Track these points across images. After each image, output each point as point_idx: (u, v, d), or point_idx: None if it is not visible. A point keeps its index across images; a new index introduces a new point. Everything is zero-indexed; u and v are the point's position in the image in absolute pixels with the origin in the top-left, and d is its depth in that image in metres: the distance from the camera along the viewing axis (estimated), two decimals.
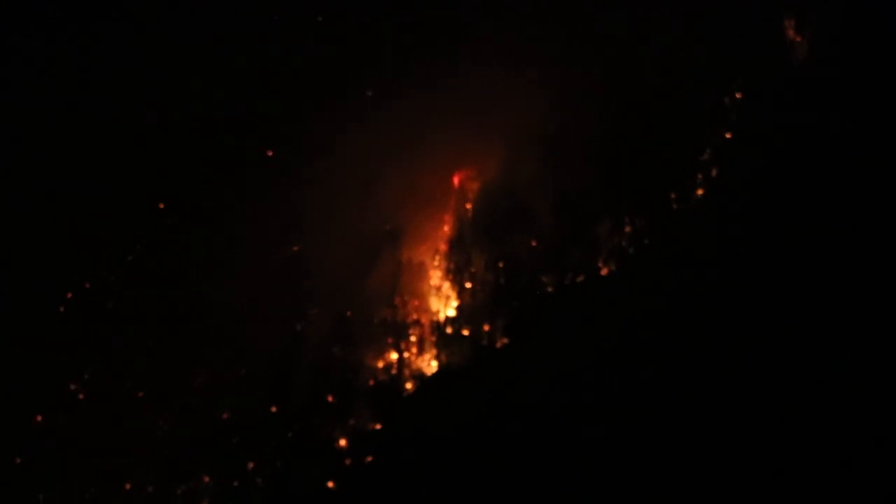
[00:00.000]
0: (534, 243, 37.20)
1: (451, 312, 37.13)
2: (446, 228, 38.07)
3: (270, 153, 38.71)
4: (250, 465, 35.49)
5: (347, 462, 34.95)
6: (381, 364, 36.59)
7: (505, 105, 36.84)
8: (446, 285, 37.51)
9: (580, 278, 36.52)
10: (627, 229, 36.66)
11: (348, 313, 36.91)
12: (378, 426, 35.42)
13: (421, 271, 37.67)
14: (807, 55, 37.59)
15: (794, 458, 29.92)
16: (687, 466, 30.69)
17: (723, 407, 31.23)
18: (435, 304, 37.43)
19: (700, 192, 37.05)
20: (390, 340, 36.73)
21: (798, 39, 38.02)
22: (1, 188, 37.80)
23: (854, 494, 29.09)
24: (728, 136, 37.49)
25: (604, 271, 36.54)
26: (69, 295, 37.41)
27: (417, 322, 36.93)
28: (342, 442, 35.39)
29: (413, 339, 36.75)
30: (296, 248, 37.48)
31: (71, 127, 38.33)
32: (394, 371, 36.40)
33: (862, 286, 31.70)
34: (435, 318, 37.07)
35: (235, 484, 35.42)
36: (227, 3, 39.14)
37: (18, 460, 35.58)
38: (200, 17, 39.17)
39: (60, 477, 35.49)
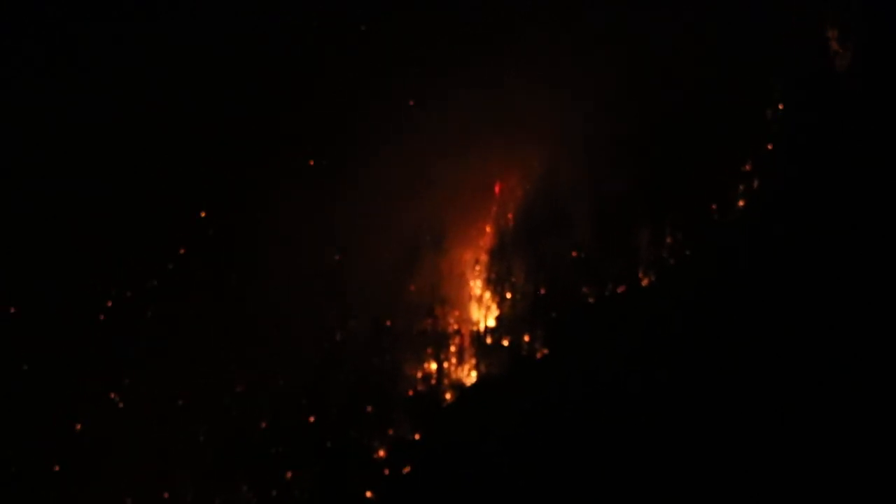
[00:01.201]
0: (574, 254, 37.10)
1: (491, 322, 37.09)
2: (487, 238, 38.11)
3: (312, 163, 38.84)
4: (288, 473, 35.48)
5: (385, 472, 34.87)
6: (420, 374, 36.57)
7: (546, 116, 36.88)
8: (487, 295, 37.50)
9: (621, 289, 36.36)
10: (668, 240, 36.53)
11: (388, 323, 36.96)
12: (417, 436, 35.35)
13: (461, 281, 37.67)
14: (849, 66, 37.39)
15: (826, 469, 29.62)
16: (729, 475, 30.38)
17: (768, 414, 30.89)
18: (475, 313, 37.42)
19: (741, 203, 36.89)
20: (430, 350, 36.72)
21: (840, 51, 37.84)
22: (41, 199, 37.96)
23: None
24: (769, 147, 37.33)
25: (644, 282, 36.39)
26: (109, 303, 37.53)
27: (457, 332, 36.92)
28: (380, 452, 35.34)
29: (453, 348, 36.72)
30: (337, 258, 37.53)
31: (110, 135, 38.50)
32: (433, 381, 36.36)
33: None
34: (475, 328, 37.06)
35: (273, 493, 35.40)
36: (268, 12, 39.28)
37: (58, 467, 35.63)
38: (237, 26, 39.36)
39: (99, 484, 35.53)
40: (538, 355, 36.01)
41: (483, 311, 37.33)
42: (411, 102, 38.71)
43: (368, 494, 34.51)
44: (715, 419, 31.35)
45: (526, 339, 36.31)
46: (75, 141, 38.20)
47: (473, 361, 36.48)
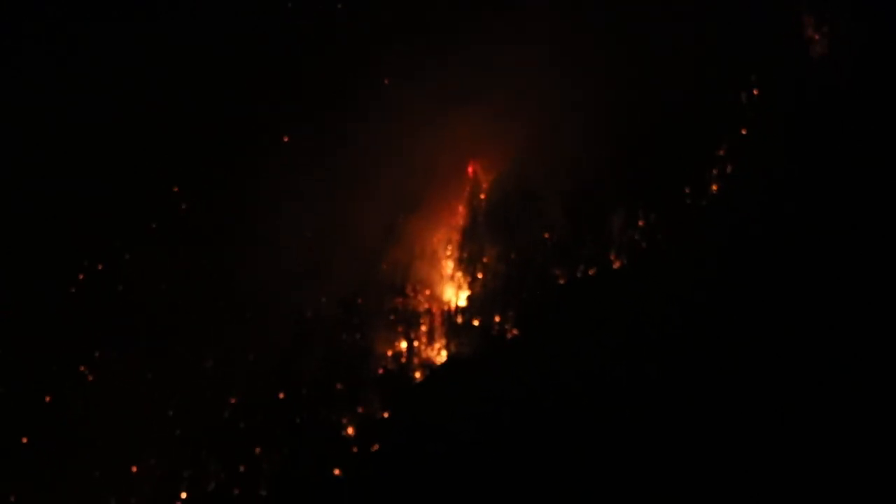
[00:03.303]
0: (546, 235, 37.11)
1: (462, 302, 37.09)
2: (460, 218, 38.06)
3: (286, 139, 38.76)
4: (257, 450, 35.44)
5: (354, 450, 34.87)
6: (390, 352, 36.55)
7: (521, 98, 36.85)
8: (458, 275, 37.49)
9: (592, 271, 36.41)
10: (641, 223, 36.55)
11: (359, 301, 36.91)
12: (386, 414, 35.36)
13: (433, 260, 37.65)
14: (824, 52, 37.49)
15: (802, 458, 29.70)
16: (694, 461, 30.49)
17: (731, 403, 31.01)
18: (446, 293, 37.40)
19: (714, 187, 36.95)
20: (400, 329, 36.70)
21: (815, 37, 37.93)
22: (16, 171, 37.86)
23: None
24: (744, 131, 37.37)
25: (616, 265, 36.43)
26: (81, 276, 37.45)
27: (428, 311, 36.89)
28: (349, 430, 35.35)
29: (423, 328, 36.70)
30: (309, 235, 37.46)
31: (82, 110, 38.37)
32: (403, 360, 36.36)
33: (878, 284, 31.43)
34: (446, 308, 37.03)
35: (242, 469, 35.37)
36: None
37: (26, 440, 35.59)
38: (216, 6, 39.24)
39: (68, 457, 35.50)
40: (508, 336, 36.01)
41: (454, 291, 37.32)
42: (386, 81, 38.61)
43: (337, 472, 34.50)
44: (679, 399, 31.53)
45: (496, 319, 36.30)
46: (53, 120, 38.18)
47: (444, 341, 36.48)
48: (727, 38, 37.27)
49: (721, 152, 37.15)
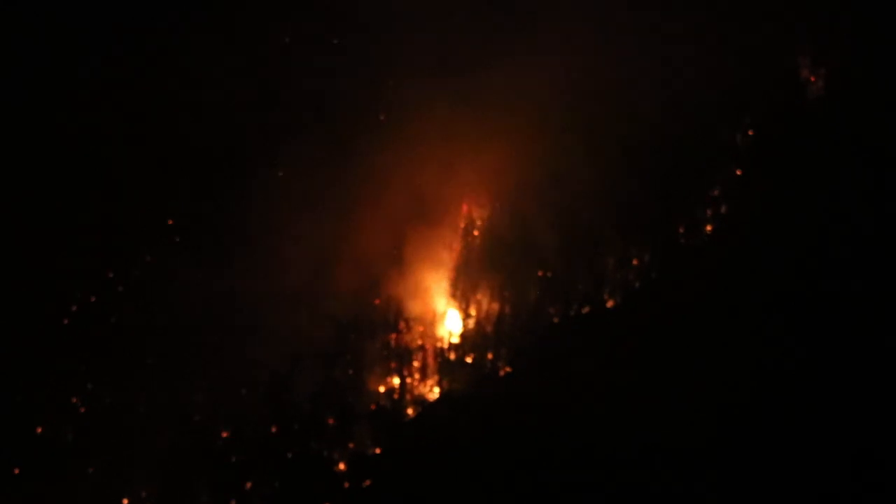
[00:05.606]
0: (540, 273, 37.14)
1: (455, 339, 37.08)
2: (454, 255, 38.07)
3: (281, 174, 38.83)
4: (248, 484, 35.35)
5: (346, 485, 34.78)
6: (382, 388, 36.54)
7: (516, 137, 36.89)
8: (451, 312, 37.49)
9: (585, 310, 36.42)
10: (635, 262, 36.62)
11: (352, 336, 36.90)
12: (378, 450, 35.30)
13: (426, 297, 37.65)
14: (818, 94, 37.62)
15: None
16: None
17: (722, 441, 30.97)
18: (439, 330, 37.38)
19: (709, 227, 37.02)
20: (393, 365, 36.68)
21: (811, 79, 38.06)
22: (7, 200, 37.86)
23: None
24: (738, 172, 37.47)
25: (609, 304, 36.46)
26: (74, 308, 37.43)
27: (421, 347, 36.87)
28: (341, 465, 35.29)
29: (416, 364, 36.68)
30: (301, 269, 37.44)
31: (79, 139, 38.42)
32: (395, 396, 36.34)
33: (874, 326, 31.39)
34: (438, 345, 37.02)
35: (233, 502, 35.29)
36: (242, 26, 39.32)
37: (17, 471, 35.50)
38: (216, 41, 39.44)
39: (59, 489, 35.39)
40: (501, 373, 36.02)
41: (447, 328, 37.32)
42: (382, 118, 38.68)
43: None
44: (672, 438, 31.46)
45: (489, 356, 36.34)
46: (50, 146, 38.22)
47: (436, 377, 36.48)
48: (721, 80, 37.42)
49: (715, 193, 37.25)
